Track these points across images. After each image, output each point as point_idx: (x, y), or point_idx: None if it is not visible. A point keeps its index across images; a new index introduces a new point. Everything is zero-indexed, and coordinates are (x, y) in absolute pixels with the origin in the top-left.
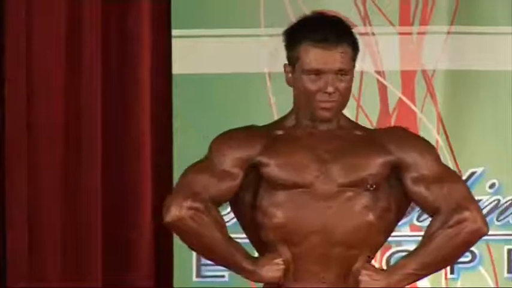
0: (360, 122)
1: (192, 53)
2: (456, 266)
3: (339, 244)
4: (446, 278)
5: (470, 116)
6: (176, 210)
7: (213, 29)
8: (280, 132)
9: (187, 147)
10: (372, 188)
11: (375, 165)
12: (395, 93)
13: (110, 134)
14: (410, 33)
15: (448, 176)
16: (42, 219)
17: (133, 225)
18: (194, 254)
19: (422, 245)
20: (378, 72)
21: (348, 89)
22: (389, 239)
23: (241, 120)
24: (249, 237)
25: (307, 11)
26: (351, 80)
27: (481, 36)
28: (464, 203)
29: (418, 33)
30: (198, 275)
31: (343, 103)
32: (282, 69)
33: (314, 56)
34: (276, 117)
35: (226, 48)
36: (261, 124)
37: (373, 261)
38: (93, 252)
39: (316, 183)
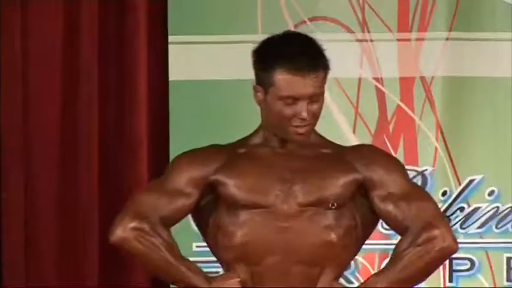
0: (358, 130)
1: (189, 60)
2: (455, 274)
3: (300, 263)
4: (444, 286)
5: (469, 123)
6: (120, 231)
7: (210, 36)
8: (242, 150)
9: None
10: (333, 207)
11: (338, 184)
12: (393, 100)
13: (107, 136)
14: (408, 40)
15: (416, 194)
16: (39, 222)
17: None
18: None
19: (391, 263)
20: (376, 79)
21: (320, 109)
22: (387, 246)
23: (237, 126)
24: (216, 256)
25: (304, 17)
26: (323, 100)
27: (480, 43)
28: (434, 221)
29: (417, 40)
30: None
31: (316, 123)
32: None
33: (290, 84)
34: None
35: (223, 55)
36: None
37: (369, 268)
38: (89, 254)
39: (277, 203)
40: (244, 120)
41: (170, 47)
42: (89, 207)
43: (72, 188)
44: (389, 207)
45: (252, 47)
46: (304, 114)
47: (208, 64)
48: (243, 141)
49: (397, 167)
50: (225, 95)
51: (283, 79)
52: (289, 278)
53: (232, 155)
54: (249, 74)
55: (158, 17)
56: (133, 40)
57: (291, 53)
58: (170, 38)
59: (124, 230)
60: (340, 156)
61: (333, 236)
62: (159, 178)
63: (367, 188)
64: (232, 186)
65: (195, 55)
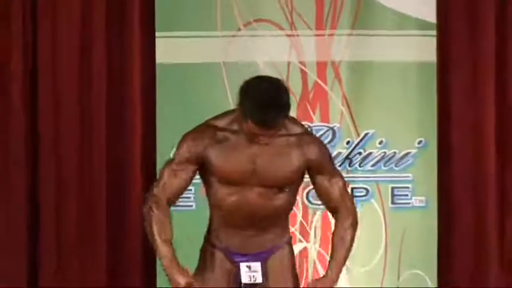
0: None
1: (172, 48)
2: (355, 199)
3: (262, 220)
4: None
5: (365, 93)
6: (146, 206)
7: (186, 31)
8: (228, 135)
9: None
10: (287, 190)
11: (293, 171)
12: (312, 77)
13: (112, 125)
14: (323, 35)
15: (340, 178)
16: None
17: (127, 199)
18: None
19: (338, 249)
20: (301, 63)
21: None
22: (306, 180)
23: (206, 98)
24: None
25: (251, 19)
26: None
27: (370, 37)
28: (352, 206)
29: (329, 35)
30: None
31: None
32: (233, 60)
33: (258, 131)
34: (229, 95)
35: (194, 45)
36: (216, 103)
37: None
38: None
39: (247, 184)
40: (208, 92)
41: (157, 39)
42: (98, 185)
43: (88, 184)
44: (327, 184)
45: (213, 40)
46: (265, 142)
47: (186, 52)
48: (226, 126)
49: (329, 156)
50: (197, 75)
51: (252, 127)
52: (253, 226)
53: (220, 138)
54: (211, 58)
55: (149, 18)
56: (130, 37)
57: (262, 115)
58: (157, 34)
59: (149, 205)
60: (296, 144)
61: (281, 208)
62: (173, 157)
63: (311, 168)
64: (216, 165)
65: (176, 46)
